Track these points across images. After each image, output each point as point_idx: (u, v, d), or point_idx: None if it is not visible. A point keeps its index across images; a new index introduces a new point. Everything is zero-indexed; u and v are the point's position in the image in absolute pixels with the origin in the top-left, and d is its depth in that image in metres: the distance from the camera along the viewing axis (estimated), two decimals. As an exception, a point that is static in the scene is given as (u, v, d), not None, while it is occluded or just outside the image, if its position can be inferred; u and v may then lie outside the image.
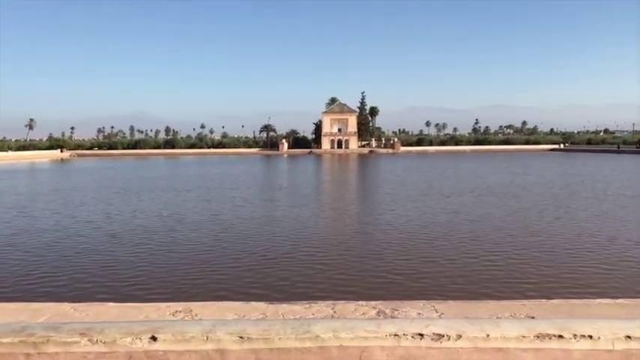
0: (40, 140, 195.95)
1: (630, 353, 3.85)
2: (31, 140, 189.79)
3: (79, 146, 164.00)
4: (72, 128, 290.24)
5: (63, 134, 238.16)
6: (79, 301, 8.30)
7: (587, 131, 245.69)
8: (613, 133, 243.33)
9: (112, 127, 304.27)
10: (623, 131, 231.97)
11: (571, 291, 12.12)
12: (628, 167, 63.93)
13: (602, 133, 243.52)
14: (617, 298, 8.32)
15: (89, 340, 3.85)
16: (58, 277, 14.28)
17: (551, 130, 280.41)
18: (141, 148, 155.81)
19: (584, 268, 14.50)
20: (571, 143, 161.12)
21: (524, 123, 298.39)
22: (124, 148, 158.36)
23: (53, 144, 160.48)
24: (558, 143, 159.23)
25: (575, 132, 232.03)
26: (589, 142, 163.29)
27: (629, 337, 3.86)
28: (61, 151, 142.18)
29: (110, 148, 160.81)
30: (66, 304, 7.47)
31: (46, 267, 15.37)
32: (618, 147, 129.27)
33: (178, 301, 8.82)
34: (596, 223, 22.19)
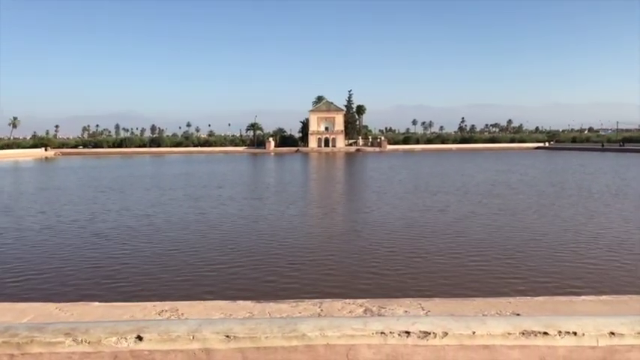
0: (24, 139, 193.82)
1: (614, 349, 3.89)
2: (14, 139, 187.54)
3: (63, 145, 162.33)
4: (56, 127, 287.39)
5: (47, 132, 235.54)
6: (63, 301, 8.23)
7: (572, 129, 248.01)
8: (597, 131, 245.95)
9: (97, 125, 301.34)
10: (608, 130, 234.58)
11: (556, 288, 12.24)
12: (612, 165, 64.62)
13: (586, 132, 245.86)
14: (601, 295, 8.41)
15: (74, 340, 3.82)
16: (43, 276, 14.13)
17: (537, 128, 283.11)
18: (126, 147, 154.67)
19: (569, 265, 14.64)
20: (556, 141, 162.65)
21: (509, 121, 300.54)
22: (109, 147, 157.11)
23: (37, 142, 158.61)
24: (543, 141, 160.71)
25: (560, 130, 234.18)
26: (574, 140, 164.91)
27: (612, 333, 3.90)
28: (46, 150, 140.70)
29: (95, 146, 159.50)
30: (50, 304, 7.41)
31: (31, 266, 15.20)
32: (602, 145, 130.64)
33: (164, 300, 8.78)
34: (581, 220, 22.41)
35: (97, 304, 7.49)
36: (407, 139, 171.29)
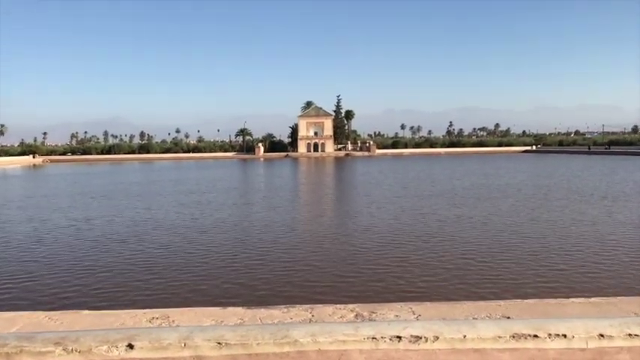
0: (12, 146, 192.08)
1: (603, 351, 3.93)
2: (2, 146, 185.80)
3: (51, 152, 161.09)
4: (44, 134, 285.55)
5: (35, 140, 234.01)
6: (52, 310, 8.16)
7: (559, 133, 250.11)
8: (583, 134, 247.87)
9: (86, 132, 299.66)
10: (594, 132, 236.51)
11: (545, 290, 12.30)
12: (598, 168, 65.14)
13: (573, 135, 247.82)
14: (590, 297, 8.46)
15: (64, 350, 3.79)
16: (32, 285, 14.00)
17: (524, 132, 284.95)
18: (115, 154, 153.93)
19: (558, 267, 14.72)
20: (543, 145, 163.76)
21: (497, 125, 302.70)
22: (98, 154, 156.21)
23: (25, 150, 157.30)
24: (530, 145, 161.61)
25: (547, 134, 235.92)
26: (560, 143, 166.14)
27: (602, 335, 3.93)
28: (34, 157, 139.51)
29: (84, 153, 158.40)
30: (39, 312, 7.33)
31: (19, 275, 15.05)
32: (589, 148, 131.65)
33: (155, 307, 8.72)
34: (569, 223, 22.56)
35: (87, 312, 7.42)
36: (395, 143, 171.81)
